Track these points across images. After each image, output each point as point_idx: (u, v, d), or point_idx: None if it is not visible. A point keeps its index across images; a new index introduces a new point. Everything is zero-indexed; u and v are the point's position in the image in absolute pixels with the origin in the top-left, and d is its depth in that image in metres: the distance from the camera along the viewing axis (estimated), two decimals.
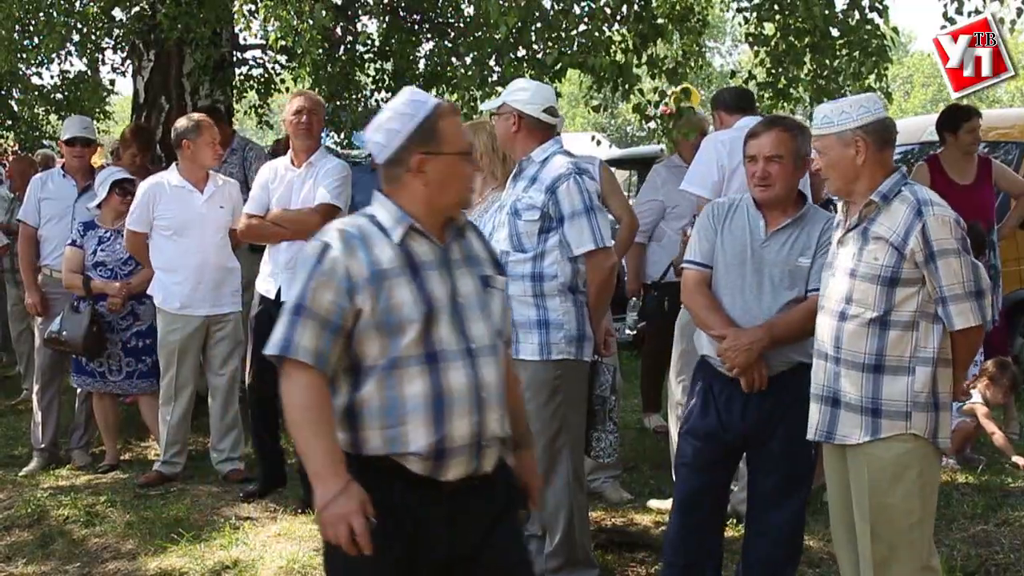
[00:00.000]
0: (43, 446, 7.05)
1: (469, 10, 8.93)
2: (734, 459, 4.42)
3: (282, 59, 9.55)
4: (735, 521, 5.13)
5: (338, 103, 9.70)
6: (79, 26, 9.34)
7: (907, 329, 3.69)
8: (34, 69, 11.36)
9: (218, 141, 6.54)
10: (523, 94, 4.67)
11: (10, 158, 12.37)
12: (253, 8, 8.02)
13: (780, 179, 4.18)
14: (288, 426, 2.89)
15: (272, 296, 5.96)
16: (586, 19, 7.04)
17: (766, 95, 7.33)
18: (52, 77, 12.27)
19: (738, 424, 4.21)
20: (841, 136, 3.76)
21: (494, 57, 7.18)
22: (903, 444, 3.70)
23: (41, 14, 8.61)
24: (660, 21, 6.86)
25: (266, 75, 9.89)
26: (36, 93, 11.77)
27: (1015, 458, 6.44)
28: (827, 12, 6.90)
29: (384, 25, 9.52)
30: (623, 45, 6.95)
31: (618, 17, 6.98)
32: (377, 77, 9.77)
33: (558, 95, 5.60)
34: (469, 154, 3.02)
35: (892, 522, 3.76)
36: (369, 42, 9.74)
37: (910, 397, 3.69)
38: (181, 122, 6.53)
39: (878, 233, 3.71)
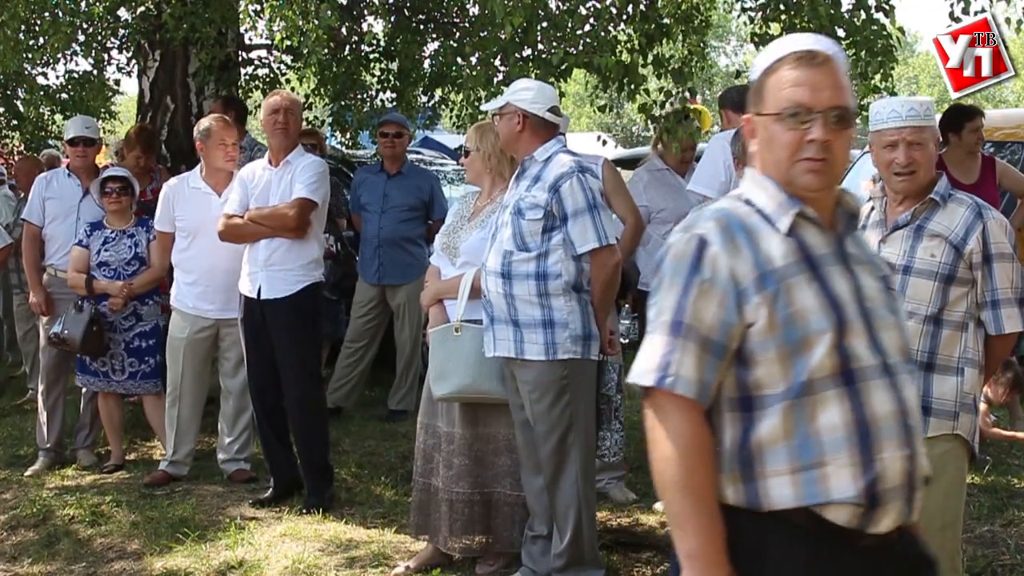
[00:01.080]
0: (48, 446, 7.05)
1: (474, 10, 8.93)
2: None
3: (287, 59, 9.56)
4: None
5: (343, 103, 9.71)
6: (85, 26, 9.36)
7: (958, 329, 3.71)
8: (40, 69, 11.35)
9: (231, 142, 6.50)
10: (527, 93, 4.67)
11: (15, 158, 12.39)
12: (259, 8, 8.03)
13: None
14: (658, 481, 2.28)
15: (254, 295, 5.97)
16: (592, 19, 7.03)
17: None
18: (58, 77, 12.26)
19: None
20: (934, 131, 3.77)
21: (499, 57, 7.17)
22: (945, 444, 3.71)
23: (47, 14, 8.63)
24: (666, 21, 6.85)
25: (271, 75, 9.89)
26: (42, 93, 11.76)
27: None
28: (833, 12, 6.89)
29: (389, 25, 9.52)
30: (629, 45, 6.95)
31: (624, 17, 6.98)
32: (382, 77, 9.78)
33: (562, 95, 5.59)
34: (796, 115, 2.29)
35: (929, 522, 3.75)
36: (374, 42, 9.75)
37: (959, 397, 3.71)
38: (198, 124, 6.56)
39: (935, 231, 3.72)
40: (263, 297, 5.94)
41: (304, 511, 5.83)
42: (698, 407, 2.23)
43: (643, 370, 2.25)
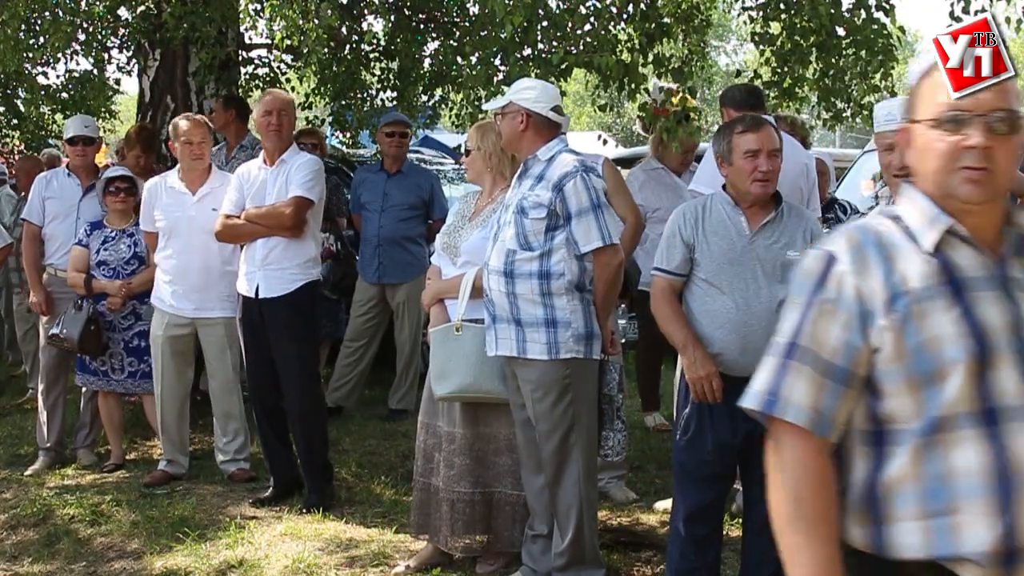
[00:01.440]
0: (48, 445, 7.05)
1: (474, 9, 8.92)
2: (735, 466, 4.43)
3: (287, 58, 9.54)
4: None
5: (343, 102, 9.70)
6: (85, 25, 9.35)
7: None
8: (40, 68, 11.35)
9: (197, 140, 6.46)
10: (530, 92, 4.68)
11: (16, 157, 12.39)
12: (259, 7, 8.02)
13: (776, 174, 4.24)
14: (772, 519, 2.11)
15: (252, 294, 5.97)
16: (592, 18, 7.03)
17: (771, 94, 7.32)
18: (58, 76, 12.24)
19: (744, 424, 4.20)
20: None
21: (499, 56, 7.17)
22: None
23: (47, 13, 8.62)
24: (666, 20, 6.84)
25: (271, 74, 9.89)
26: (42, 92, 11.76)
27: None
28: (833, 11, 6.89)
29: (389, 24, 9.51)
30: (629, 44, 6.94)
31: (624, 16, 6.97)
32: (382, 76, 9.78)
33: (562, 94, 5.59)
34: (953, 120, 2.09)
35: None
36: (374, 41, 9.74)
37: None
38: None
39: None
40: (261, 296, 5.95)
41: (304, 510, 5.84)
42: (814, 438, 2.05)
43: (752, 393, 2.12)
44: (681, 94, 6.74)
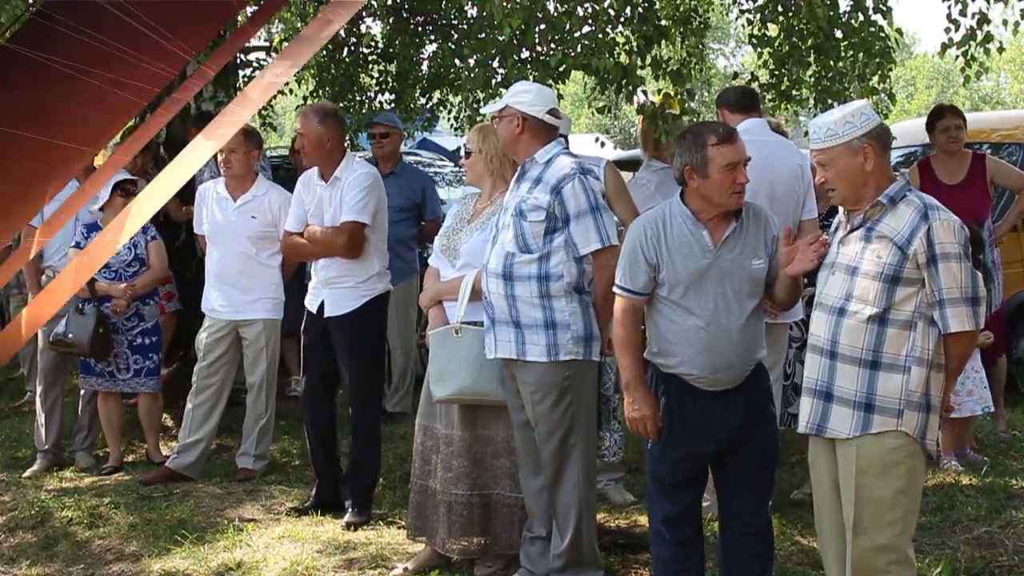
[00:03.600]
0: (46, 448, 7.06)
1: (472, 12, 8.92)
2: (706, 468, 4.43)
3: None
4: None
5: (341, 105, 9.69)
6: None
7: (905, 328, 3.79)
8: None
9: (230, 148, 6.48)
10: (526, 96, 4.69)
11: None
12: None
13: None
14: None
15: (314, 310, 5.94)
16: (590, 21, 7.03)
17: (769, 96, 7.33)
18: None
19: (718, 432, 4.21)
20: (849, 145, 3.81)
21: (498, 59, 7.17)
22: (893, 440, 3.80)
23: None
24: (664, 23, 6.85)
25: None
26: None
27: None
28: (831, 13, 6.89)
29: (388, 27, 9.51)
30: (627, 47, 6.95)
31: (622, 19, 6.97)
32: (381, 79, 9.77)
33: (561, 97, 5.59)
34: None
35: (878, 516, 3.84)
36: (373, 44, 9.74)
37: (904, 395, 3.79)
38: None
39: (882, 233, 3.81)
40: (326, 314, 5.90)
41: (301, 513, 5.84)
42: None
43: None
44: (679, 95, 6.74)
